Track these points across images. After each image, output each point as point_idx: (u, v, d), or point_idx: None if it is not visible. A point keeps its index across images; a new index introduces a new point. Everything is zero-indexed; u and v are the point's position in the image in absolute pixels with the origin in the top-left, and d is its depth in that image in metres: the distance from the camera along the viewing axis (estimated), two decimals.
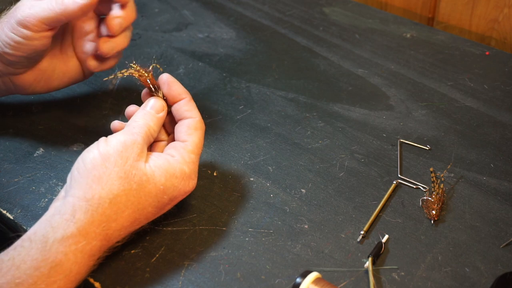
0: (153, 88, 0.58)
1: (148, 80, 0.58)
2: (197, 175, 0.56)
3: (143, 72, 0.58)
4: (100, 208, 0.49)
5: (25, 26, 0.57)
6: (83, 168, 0.50)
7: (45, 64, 0.64)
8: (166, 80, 0.57)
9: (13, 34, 0.57)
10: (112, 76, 0.61)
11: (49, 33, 0.59)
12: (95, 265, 0.51)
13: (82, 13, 0.58)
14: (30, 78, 0.63)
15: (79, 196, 0.49)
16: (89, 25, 0.63)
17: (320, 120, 0.72)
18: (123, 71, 0.59)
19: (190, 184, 0.55)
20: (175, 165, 0.53)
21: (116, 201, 0.50)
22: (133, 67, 0.58)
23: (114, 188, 0.50)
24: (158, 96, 0.58)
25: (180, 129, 0.56)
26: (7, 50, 0.58)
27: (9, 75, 0.62)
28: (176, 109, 0.57)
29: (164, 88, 0.57)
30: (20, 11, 0.57)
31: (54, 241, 0.47)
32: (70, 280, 0.48)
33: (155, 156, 0.53)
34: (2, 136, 0.69)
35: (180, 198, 0.55)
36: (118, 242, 0.53)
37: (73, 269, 0.48)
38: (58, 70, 0.65)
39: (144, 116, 0.55)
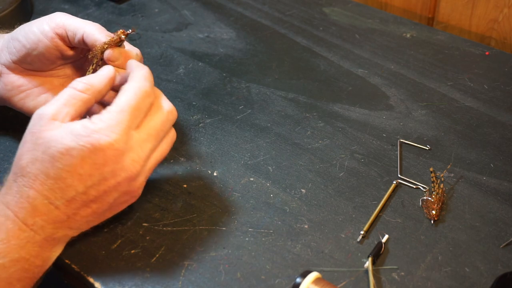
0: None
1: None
2: (115, 131, 0.51)
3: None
4: (14, 183, 0.51)
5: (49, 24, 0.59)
6: None
7: (36, 82, 0.64)
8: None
9: (36, 25, 0.60)
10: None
11: (60, 47, 0.61)
12: (49, 241, 0.51)
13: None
14: (17, 83, 0.63)
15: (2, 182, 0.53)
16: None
17: (320, 120, 0.72)
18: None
19: (102, 140, 0.50)
20: (78, 123, 0.51)
21: (26, 172, 0.50)
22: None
23: (22, 162, 0.51)
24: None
25: None
26: (21, 37, 0.60)
27: (5, 68, 0.63)
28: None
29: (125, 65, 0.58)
30: (58, 15, 0.60)
31: None
32: None
33: (71, 122, 0.52)
34: (2, 136, 0.69)
35: (102, 158, 0.50)
36: (75, 220, 0.52)
37: (0, 231, 0.50)
38: (43, 98, 0.64)
39: (71, 86, 0.54)
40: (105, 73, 0.55)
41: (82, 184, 0.51)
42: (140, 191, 0.56)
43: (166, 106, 0.56)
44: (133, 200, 0.57)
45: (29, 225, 0.50)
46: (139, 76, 0.55)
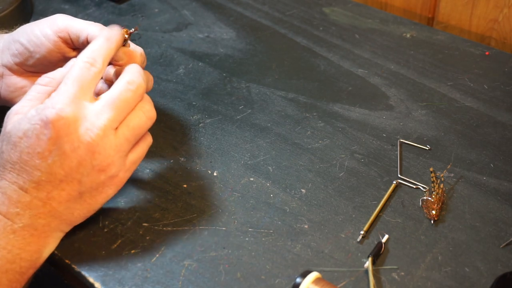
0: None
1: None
2: (61, 101, 0.51)
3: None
4: None
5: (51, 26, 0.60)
6: None
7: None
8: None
9: (37, 27, 0.61)
10: None
11: (63, 50, 0.61)
12: (31, 232, 0.52)
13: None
14: (19, 84, 0.64)
15: None
16: None
17: (320, 120, 0.72)
18: None
19: (49, 113, 0.50)
20: (34, 109, 0.52)
21: None
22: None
23: None
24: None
25: None
26: (23, 40, 0.61)
27: (7, 70, 0.63)
28: None
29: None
30: (59, 18, 0.61)
31: None
32: None
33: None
34: None
35: (54, 131, 0.50)
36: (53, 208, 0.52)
37: None
38: None
39: (36, 82, 0.55)
40: (70, 63, 0.57)
41: (45, 163, 0.51)
42: (114, 170, 0.54)
43: (127, 75, 0.55)
44: (114, 181, 0.55)
45: (4, 214, 0.51)
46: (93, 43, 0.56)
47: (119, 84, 0.54)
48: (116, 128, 0.53)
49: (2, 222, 0.51)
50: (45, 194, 0.52)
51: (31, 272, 0.52)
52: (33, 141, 0.51)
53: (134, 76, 0.54)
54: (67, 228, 0.55)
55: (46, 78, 0.55)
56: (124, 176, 0.55)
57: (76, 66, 0.53)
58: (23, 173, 0.51)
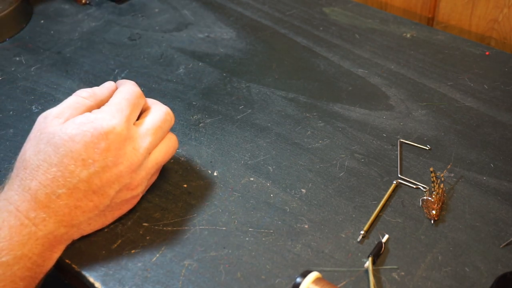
0: None
1: None
2: (117, 117, 0.54)
3: None
4: (17, 178, 0.52)
5: None
6: None
7: None
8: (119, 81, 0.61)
9: None
10: None
11: None
12: (51, 239, 0.52)
13: None
14: None
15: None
16: None
17: (320, 120, 0.72)
18: None
19: (104, 124, 0.52)
20: (80, 116, 0.54)
21: (29, 164, 0.52)
22: None
23: (25, 156, 0.52)
24: None
25: None
26: None
27: None
28: None
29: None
30: None
31: None
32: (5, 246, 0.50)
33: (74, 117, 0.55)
34: (2, 136, 0.69)
35: (105, 142, 0.52)
36: (75, 217, 0.52)
37: (3, 228, 0.50)
38: None
39: (75, 94, 0.57)
40: (107, 85, 0.59)
41: (86, 170, 0.51)
42: (139, 191, 0.56)
43: (162, 107, 0.59)
44: (133, 201, 0.57)
45: (31, 219, 0.50)
46: (127, 83, 0.59)
47: (159, 113, 0.58)
48: (149, 153, 0.56)
49: (28, 229, 0.50)
50: (74, 202, 0.52)
51: (41, 276, 0.53)
52: (80, 146, 0.51)
53: (168, 108, 0.59)
54: (78, 237, 0.55)
55: (85, 92, 0.57)
56: (140, 196, 0.58)
57: (128, 92, 0.56)
58: (59, 177, 0.51)
